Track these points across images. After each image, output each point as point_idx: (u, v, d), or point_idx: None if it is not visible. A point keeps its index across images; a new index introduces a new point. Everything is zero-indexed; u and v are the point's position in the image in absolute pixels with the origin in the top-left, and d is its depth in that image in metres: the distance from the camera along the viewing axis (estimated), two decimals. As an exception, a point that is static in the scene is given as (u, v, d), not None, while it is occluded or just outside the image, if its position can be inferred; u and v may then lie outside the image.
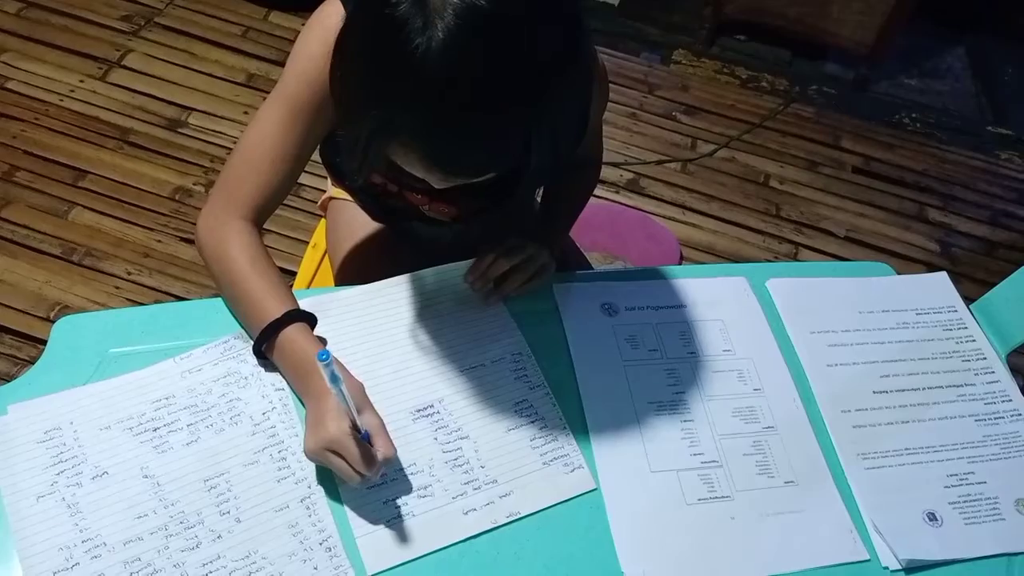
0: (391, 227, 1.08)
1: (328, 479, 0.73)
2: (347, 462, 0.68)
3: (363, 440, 0.69)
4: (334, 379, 0.65)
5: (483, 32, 0.59)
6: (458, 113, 0.61)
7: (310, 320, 0.78)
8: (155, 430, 0.73)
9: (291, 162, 0.81)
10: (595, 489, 0.77)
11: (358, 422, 0.69)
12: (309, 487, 0.72)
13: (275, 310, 0.76)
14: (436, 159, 0.66)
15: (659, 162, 2.16)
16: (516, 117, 0.63)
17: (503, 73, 0.60)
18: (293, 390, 0.78)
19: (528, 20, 0.60)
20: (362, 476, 0.68)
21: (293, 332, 0.75)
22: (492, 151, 0.66)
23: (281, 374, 0.78)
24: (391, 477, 0.74)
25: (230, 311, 0.82)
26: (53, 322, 0.81)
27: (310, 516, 0.71)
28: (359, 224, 1.09)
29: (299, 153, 0.81)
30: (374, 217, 1.09)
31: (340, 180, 1.10)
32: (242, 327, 0.81)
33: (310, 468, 0.73)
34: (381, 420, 0.71)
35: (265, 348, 0.77)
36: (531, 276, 0.88)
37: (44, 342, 0.79)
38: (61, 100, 1.99)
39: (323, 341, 0.80)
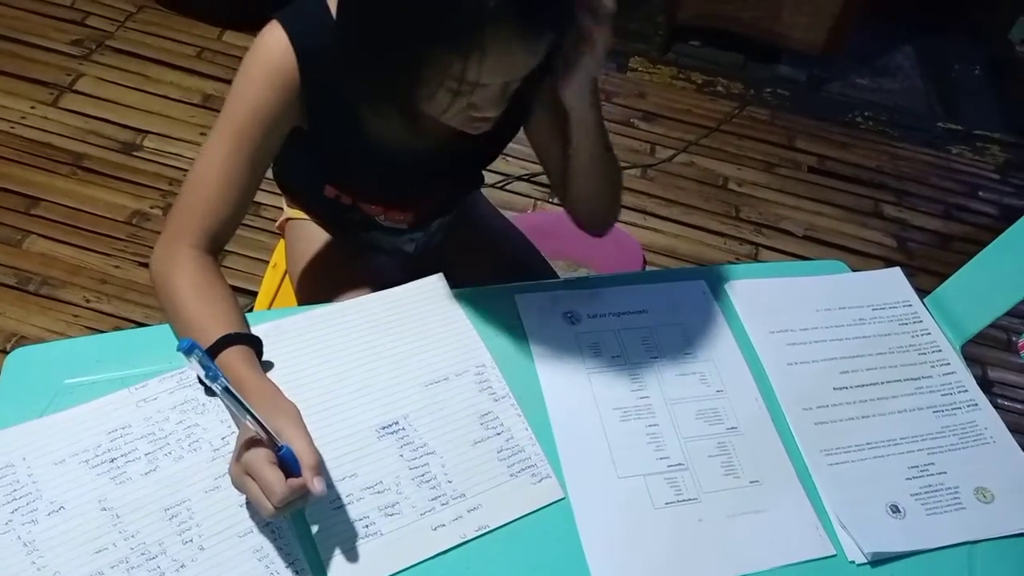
0: (351, 240, 1.08)
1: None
2: (259, 488, 0.63)
3: (285, 457, 0.64)
4: (212, 376, 0.59)
5: None
6: None
7: (252, 343, 0.76)
8: (112, 461, 0.72)
9: (241, 189, 0.80)
10: (563, 498, 0.77)
11: (275, 437, 0.64)
12: (273, 511, 0.71)
13: (209, 337, 0.73)
14: (536, 11, 0.65)
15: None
16: None
17: None
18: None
19: None
20: (274, 508, 0.62)
21: (227, 357, 0.73)
22: None
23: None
24: (357, 496, 0.74)
25: None
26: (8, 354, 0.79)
27: (276, 540, 0.70)
28: (317, 243, 1.09)
29: (248, 180, 0.81)
30: (332, 232, 1.08)
31: (295, 199, 1.09)
32: None
33: (274, 491, 0.72)
34: (310, 441, 0.66)
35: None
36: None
37: (-2, 374, 0.77)
38: (12, 127, 1.95)
39: (267, 365, 0.79)
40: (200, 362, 0.58)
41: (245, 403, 0.63)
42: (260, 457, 0.63)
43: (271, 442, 0.65)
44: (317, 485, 0.64)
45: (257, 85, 0.78)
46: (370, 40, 0.70)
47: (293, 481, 0.63)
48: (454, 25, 0.63)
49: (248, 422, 0.64)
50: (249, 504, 0.71)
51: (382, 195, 0.95)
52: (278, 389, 0.73)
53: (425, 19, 0.64)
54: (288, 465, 0.65)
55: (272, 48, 0.78)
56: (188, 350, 0.57)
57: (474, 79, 0.67)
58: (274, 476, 0.62)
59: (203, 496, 0.71)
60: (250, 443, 0.65)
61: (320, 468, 0.65)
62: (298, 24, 0.78)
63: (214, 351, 0.73)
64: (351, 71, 0.74)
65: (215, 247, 0.82)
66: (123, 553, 0.67)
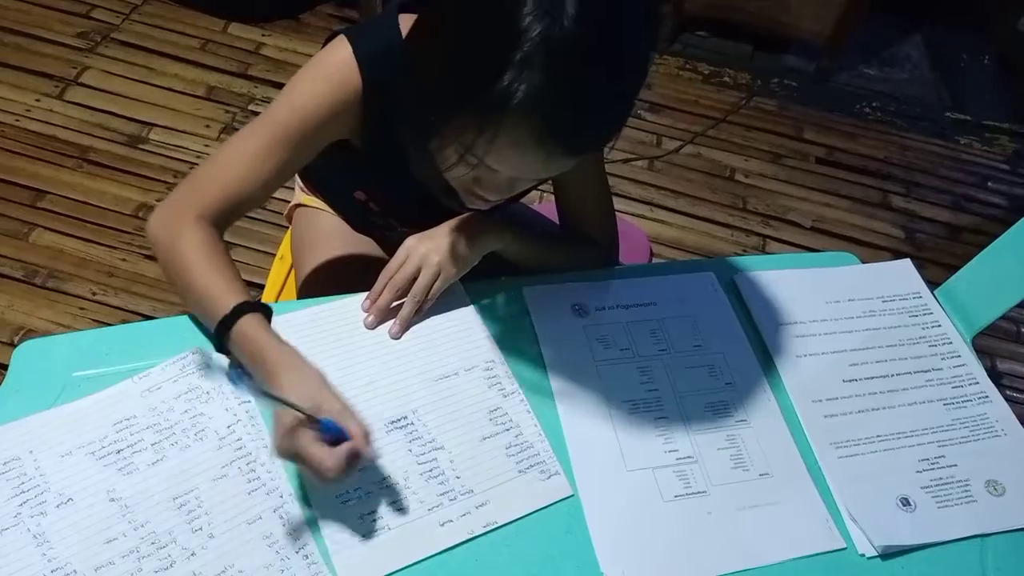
0: (365, 233, 1.08)
1: (301, 487, 0.73)
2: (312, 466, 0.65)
3: (327, 428, 0.66)
4: (233, 380, 0.62)
5: None
6: (592, 75, 0.62)
7: (264, 311, 0.76)
8: (119, 452, 0.72)
9: (262, 183, 0.80)
10: (572, 495, 0.77)
11: (317, 415, 0.66)
12: (281, 497, 0.72)
13: (226, 305, 0.74)
14: (556, 129, 0.64)
15: (626, 160, 2.17)
16: (634, 71, 0.66)
17: (624, 29, 0.62)
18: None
19: None
20: (328, 476, 0.65)
21: (244, 326, 0.73)
22: (614, 114, 0.67)
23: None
24: (366, 491, 0.73)
25: (185, 307, 0.81)
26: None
27: (284, 526, 0.70)
28: (326, 232, 1.08)
29: (275, 177, 0.80)
30: (355, 228, 1.08)
31: (317, 190, 1.08)
32: (196, 323, 0.80)
33: (281, 478, 0.73)
34: (344, 403, 0.69)
35: (227, 343, 0.76)
36: (420, 285, 0.85)
37: (7, 368, 0.77)
38: (17, 120, 1.95)
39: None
40: (247, 385, 0.62)
41: (285, 399, 0.65)
42: (305, 439, 0.65)
43: (310, 421, 0.66)
44: (369, 452, 0.67)
45: (316, 95, 0.78)
46: (416, 81, 0.69)
47: (339, 450, 0.66)
48: (480, 98, 0.62)
49: (295, 409, 0.65)
50: (256, 492, 0.71)
51: (414, 215, 0.95)
52: (299, 354, 0.73)
53: (461, 81, 0.64)
54: (331, 433, 0.66)
55: (338, 66, 0.78)
56: (236, 378, 0.61)
57: (480, 156, 0.66)
58: (323, 453, 0.65)
59: (211, 484, 0.71)
60: (290, 425, 0.65)
61: (368, 436, 0.68)
62: (368, 45, 0.78)
63: (232, 319, 0.73)
64: (398, 100, 0.74)
65: (221, 224, 0.81)
66: (133, 543, 0.67)
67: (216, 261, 0.77)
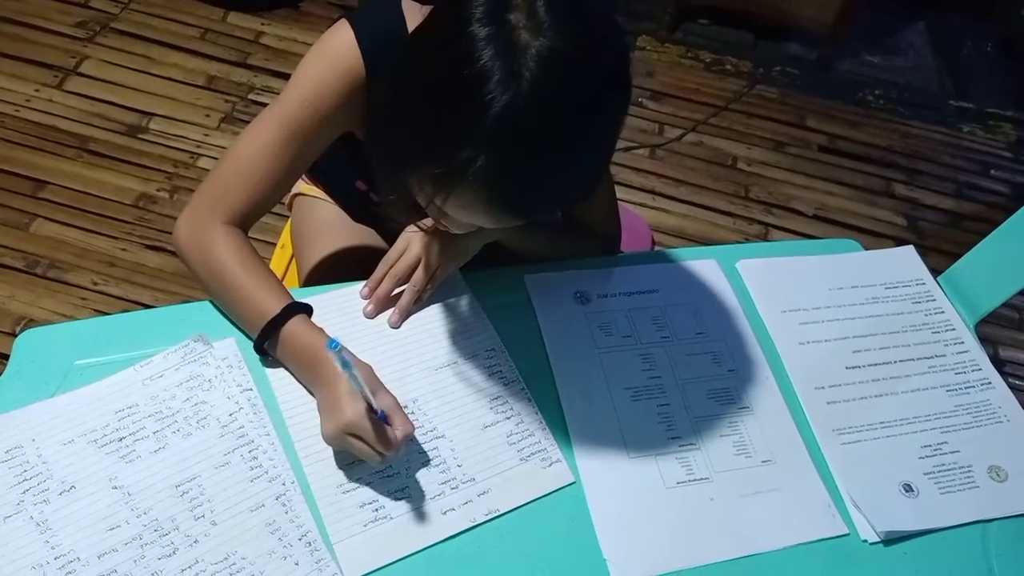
0: (370, 226, 1.08)
1: (303, 475, 0.73)
2: (367, 444, 0.69)
3: (380, 420, 0.70)
4: (345, 365, 0.65)
5: (565, 73, 0.60)
6: (546, 156, 0.62)
7: (308, 311, 0.79)
8: (120, 440, 0.72)
9: (282, 180, 0.81)
10: (574, 483, 0.77)
11: (373, 403, 0.69)
12: (284, 484, 0.72)
13: (272, 307, 0.76)
14: (505, 203, 0.65)
15: (627, 149, 2.16)
16: (596, 150, 0.66)
17: (585, 110, 0.62)
18: (300, 382, 0.78)
19: (596, 47, 0.63)
20: (383, 456, 0.70)
21: (294, 325, 0.76)
22: (568, 190, 0.68)
23: (286, 368, 0.79)
24: (367, 480, 0.74)
25: (219, 311, 0.82)
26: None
27: (287, 513, 0.70)
28: (326, 222, 1.08)
29: (291, 173, 0.82)
30: (355, 218, 1.08)
31: (319, 179, 1.08)
32: (235, 326, 0.81)
33: (283, 466, 0.73)
34: (395, 399, 0.72)
35: (267, 345, 0.78)
36: (420, 274, 0.86)
37: (8, 357, 0.77)
38: (17, 110, 1.94)
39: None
40: (340, 356, 0.65)
41: (360, 381, 0.67)
42: (363, 416, 0.69)
43: (370, 409, 0.70)
44: (402, 450, 0.72)
45: (322, 83, 0.78)
46: (391, 122, 0.70)
47: (397, 432, 0.71)
48: (441, 163, 0.63)
49: (359, 392, 0.69)
50: (258, 479, 0.71)
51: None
52: (349, 351, 0.74)
53: (428, 142, 0.64)
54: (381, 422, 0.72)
55: (341, 52, 0.78)
56: (335, 347, 0.64)
57: (439, 205, 0.67)
58: (383, 431, 0.70)
59: (213, 472, 0.72)
60: (355, 410, 0.69)
61: (412, 431, 0.72)
62: (371, 31, 0.77)
63: (280, 321, 0.76)
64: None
65: (246, 226, 0.82)
66: (136, 530, 0.67)
67: (253, 266, 0.79)
